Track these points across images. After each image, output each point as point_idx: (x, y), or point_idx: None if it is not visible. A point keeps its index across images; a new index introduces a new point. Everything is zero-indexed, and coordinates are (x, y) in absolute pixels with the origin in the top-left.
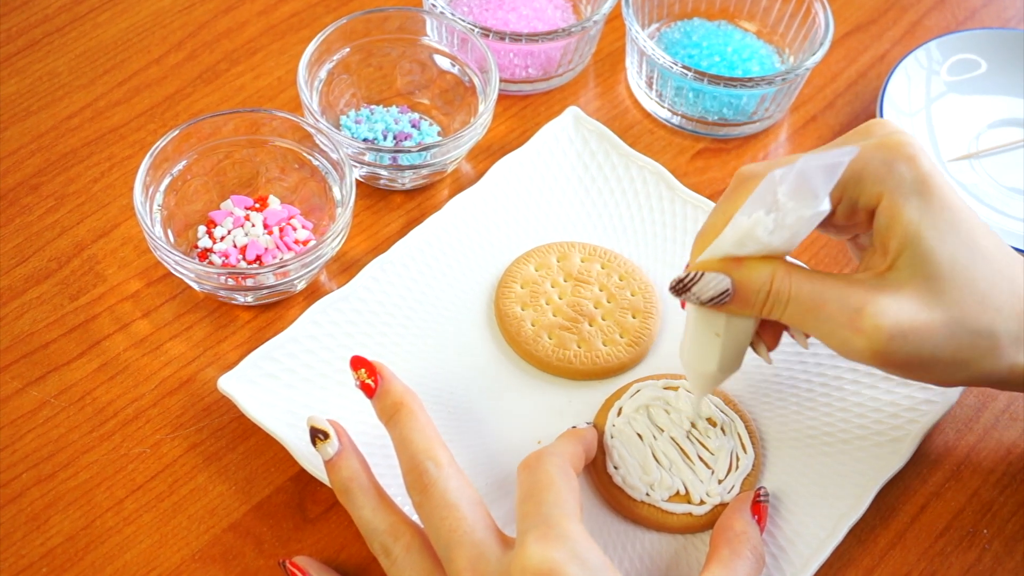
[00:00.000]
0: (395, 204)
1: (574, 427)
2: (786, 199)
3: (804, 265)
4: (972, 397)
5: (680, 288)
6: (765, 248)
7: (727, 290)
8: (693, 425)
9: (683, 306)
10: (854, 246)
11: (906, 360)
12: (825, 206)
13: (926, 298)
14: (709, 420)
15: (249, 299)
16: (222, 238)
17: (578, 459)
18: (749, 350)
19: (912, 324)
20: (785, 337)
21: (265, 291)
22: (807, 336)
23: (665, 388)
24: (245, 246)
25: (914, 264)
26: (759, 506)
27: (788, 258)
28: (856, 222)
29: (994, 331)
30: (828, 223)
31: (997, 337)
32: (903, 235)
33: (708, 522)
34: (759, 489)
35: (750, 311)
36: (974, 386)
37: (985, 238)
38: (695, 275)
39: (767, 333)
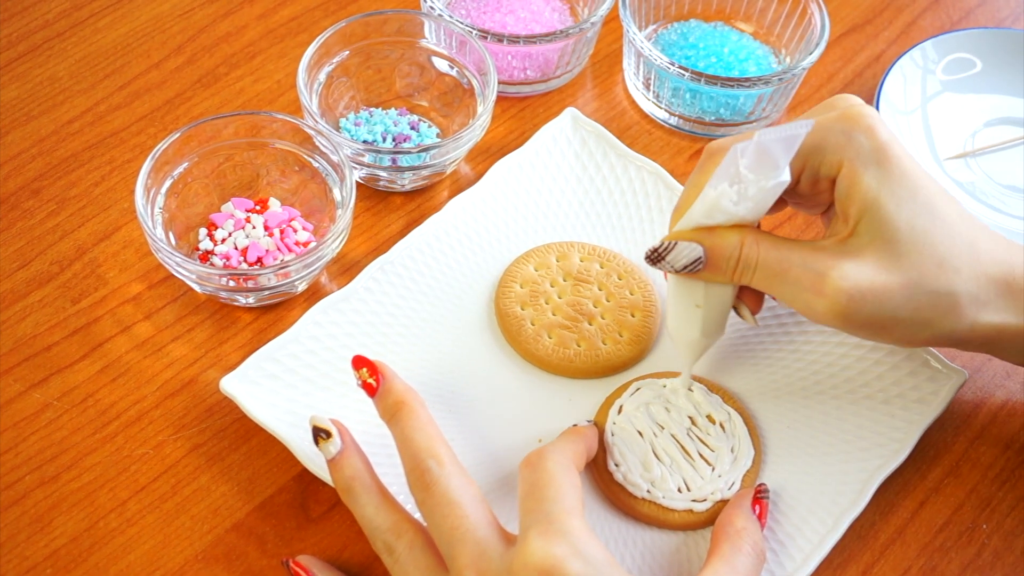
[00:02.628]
0: (395, 205)
1: (575, 425)
2: (747, 171)
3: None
4: (971, 393)
5: (655, 257)
6: (732, 217)
7: (699, 258)
8: (693, 422)
9: (665, 277)
10: (827, 221)
11: (866, 320)
12: (785, 176)
13: (885, 261)
14: (709, 417)
15: (250, 300)
16: (223, 240)
17: (579, 457)
18: (748, 345)
19: (871, 286)
20: (783, 347)
21: (266, 292)
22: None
23: (665, 386)
24: (246, 248)
25: (873, 229)
26: (760, 502)
27: None
28: (819, 191)
29: (953, 291)
30: (794, 193)
31: (956, 296)
32: (862, 202)
33: (709, 519)
34: (760, 485)
35: (722, 277)
36: (937, 346)
37: (945, 205)
38: (669, 244)
39: (749, 297)
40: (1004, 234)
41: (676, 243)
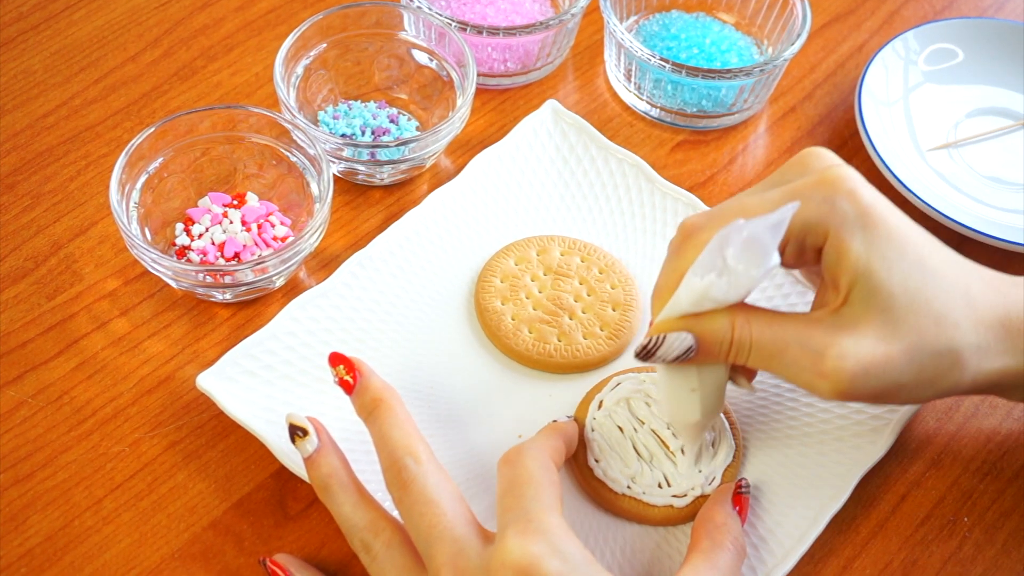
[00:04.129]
0: (374, 199)
1: (554, 421)
2: (735, 262)
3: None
4: None
5: (645, 354)
6: (722, 304)
7: (691, 347)
8: None
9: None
10: (806, 273)
11: (871, 393)
12: (775, 260)
13: (883, 331)
14: None
15: (227, 296)
16: (200, 235)
17: (559, 453)
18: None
19: (873, 360)
20: None
21: (243, 288)
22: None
23: (645, 381)
24: (223, 243)
25: (867, 297)
26: (740, 497)
27: None
28: (804, 261)
29: (954, 347)
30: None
31: (958, 352)
32: (852, 270)
33: (689, 514)
34: (740, 480)
35: (716, 360)
36: (943, 397)
37: (934, 255)
38: (658, 339)
39: (744, 367)
40: (986, 225)
41: (665, 336)
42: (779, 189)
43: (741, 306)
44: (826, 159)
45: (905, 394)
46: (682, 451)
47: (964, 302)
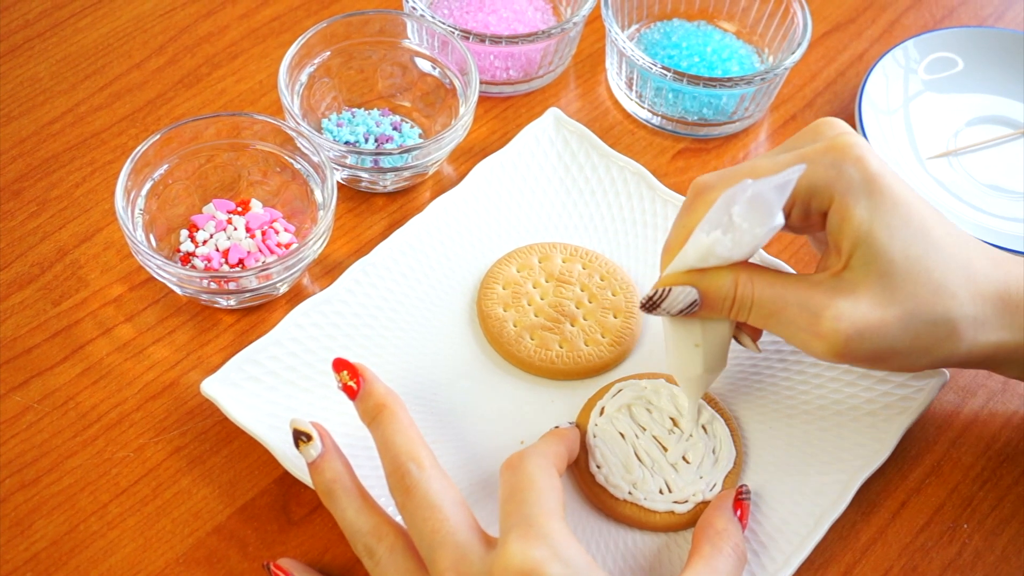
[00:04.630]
0: (377, 206)
1: (556, 427)
2: (740, 220)
3: (780, 263)
4: (952, 394)
5: (650, 305)
6: (726, 261)
7: (695, 301)
8: (675, 423)
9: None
10: (815, 239)
11: (865, 356)
12: (779, 221)
13: (880, 296)
14: None
15: (232, 302)
16: (204, 242)
17: (560, 459)
18: (734, 344)
19: (867, 323)
20: (765, 348)
21: (248, 294)
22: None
23: (646, 387)
24: (227, 250)
25: (867, 263)
26: (741, 503)
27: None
28: (810, 224)
29: (950, 317)
30: (784, 226)
31: (954, 323)
32: (855, 235)
33: (690, 520)
34: (741, 486)
35: (719, 316)
36: (938, 367)
37: (937, 227)
38: (663, 291)
39: (749, 326)
40: (985, 233)
41: (670, 289)
42: (790, 153)
43: (745, 264)
44: (837, 127)
45: (899, 360)
46: (679, 411)
47: (964, 274)
